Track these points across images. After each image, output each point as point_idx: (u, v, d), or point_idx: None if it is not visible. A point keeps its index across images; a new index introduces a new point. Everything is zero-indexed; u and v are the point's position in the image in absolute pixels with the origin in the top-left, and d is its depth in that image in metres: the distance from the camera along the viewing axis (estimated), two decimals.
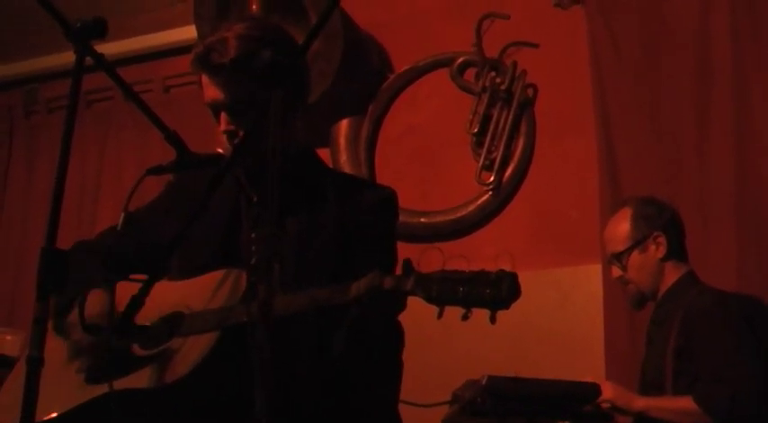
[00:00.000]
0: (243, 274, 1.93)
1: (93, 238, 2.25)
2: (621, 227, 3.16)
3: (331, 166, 3.46)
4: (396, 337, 2.01)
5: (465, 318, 1.67)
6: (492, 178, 4.13)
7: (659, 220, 3.14)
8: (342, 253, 2.00)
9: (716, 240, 3.62)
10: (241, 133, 1.99)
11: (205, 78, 2.03)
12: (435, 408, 2.93)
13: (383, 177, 4.31)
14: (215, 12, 4.32)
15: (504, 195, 4.14)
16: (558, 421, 2.93)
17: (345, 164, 4.37)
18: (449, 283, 1.67)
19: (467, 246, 4.05)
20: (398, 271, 1.79)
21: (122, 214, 1.97)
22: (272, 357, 1.48)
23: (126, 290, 1.87)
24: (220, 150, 2.02)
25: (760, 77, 3.69)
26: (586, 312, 3.81)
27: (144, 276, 1.82)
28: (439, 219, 4.20)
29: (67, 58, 1.86)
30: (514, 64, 4.17)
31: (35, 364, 1.62)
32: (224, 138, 2.02)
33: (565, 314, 3.87)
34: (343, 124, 4.45)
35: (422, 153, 4.35)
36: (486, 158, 4.15)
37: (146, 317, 1.96)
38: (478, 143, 4.18)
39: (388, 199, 2.12)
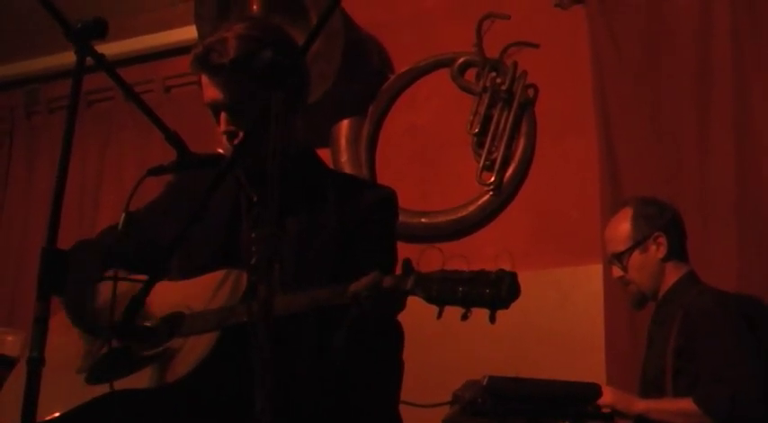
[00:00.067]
0: (243, 274, 1.93)
1: (93, 238, 2.25)
2: (622, 227, 3.16)
3: (332, 166, 3.46)
4: (396, 336, 2.01)
5: (464, 317, 1.67)
6: (492, 178, 4.13)
7: (660, 221, 3.14)
8: (342, 253, 2.00)
9: (716, 240, 3.62)
10: (241, 134, 1.99)
11: (205, 79, 2.02)
12: (435, 408, 2.93)
13: (384, 177, 4.31)
14: (216, 12, 4.32)
15: (504, 195, 4.14)
16: (558, 421, 2.93)
17: (346, 164, 4.37)
18: (448, 283, 1.67)
19: (467, 246, 4.05)
20: (398, 271, 1.79)
21: (123, 214, 1.97)
22: (272, 357, 1.48)
23: (123, 291, 1.88)
24: (221, 150, 2.02)
25: (760, 77, 3.69)
26: (587, 312, 3.81)
27: (144, 276, 1.82)
28: (439, 219, 4.20)
29: (68, 58, 1.86)
30: (515, 64, 4.17)
31: (35, 365, 1.62)
32: (224, 138, 2.02)
33: (565, 314, 3.87)
34: (344, 124, 4.45)
35: (422, 153, 4.35)
36: (486, 159, 4.15)
37: (146, 317, 1.97)
38: (479, 143, 4.18)
39: (387, 199, 2.12)
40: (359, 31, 4.44)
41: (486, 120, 4.19)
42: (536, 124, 4.16)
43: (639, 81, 3.91)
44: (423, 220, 4.20)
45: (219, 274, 1.97)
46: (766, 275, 3.52)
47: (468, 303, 1.66)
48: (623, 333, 3.68)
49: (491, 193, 4.14)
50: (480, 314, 1.66)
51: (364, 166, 4.38)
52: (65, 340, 2.05)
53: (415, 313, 1.84)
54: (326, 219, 2.03)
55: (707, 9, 3.84)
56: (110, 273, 1.95)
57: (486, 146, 4.15)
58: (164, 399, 1.86)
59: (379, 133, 4.48)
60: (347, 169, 4.30)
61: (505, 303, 1.65)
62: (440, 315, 1.70)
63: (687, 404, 2.81)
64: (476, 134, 4.18)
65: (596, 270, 3.78)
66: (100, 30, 1.82)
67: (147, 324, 1.98)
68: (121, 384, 1.85)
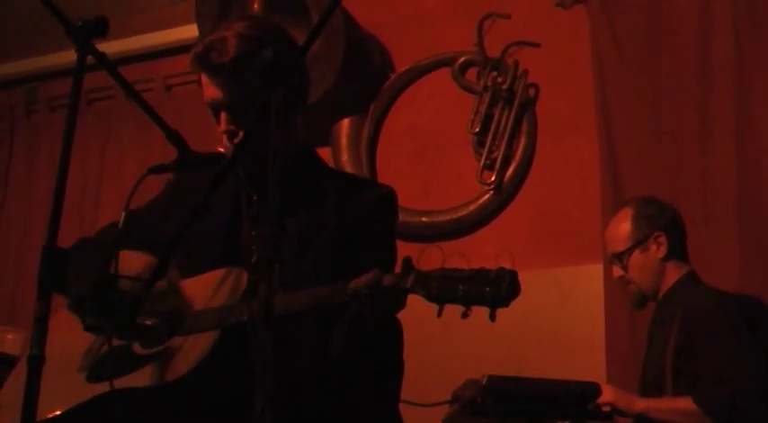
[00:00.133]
0: (243, 272, 1.93)
1: (93, 236, 2.24)
2: (622, 227, 3.16)
3: (332, 165, 3.47)
4: (395, 335, 2.01)
5: (465, 316, 1.67)
6: (493, 178, 4.13)
7: (660, 220, 3.14)
8: (342, 252, 2.00)
9: (717, 240, 3.62)
10: (241, 133, 1.99)
11: (205, 78, 2.02)
12: (435, 407, 2.93)
13: (384, 177, 4.31)
14: (216, 10, 4.32)
15: (505, 195, 4.14)
16: (558, 421, 2.93)
17: (347, 163, 4.37)
18: (448, 281, 1.67)
19: (467, 245, 4.05)
20: (398, 269, 1.79)
21: (123, 213, 1.97)
22: (272, 356, 1.48)
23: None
24: (221, 149, 2.02)
25: (761, 76, 3.69)
26: (587, 312, 3.81)
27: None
28: (440, 218, 4.20)
29: (69, 56, 1.86)
30: (516, 63, 4.16)
31: (36, 363, 1.62)
32: (224, 137, 2.02)
33: (565, 314, 3.87)
34: (345, 124, 4.45)
35: (423, 152, 4.35)
36: (487, 158, 4.15)
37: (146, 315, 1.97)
38: (480, 143, 4.18)
39: (387, 198, 2.12)
40: (360, 30, 4.44)
41: (487, 119, 4.19)
42: (537, 124, 4.16)
43: (640, 80, 3.91)
44: (423, 218, 4.20)
45: (220, 272, 1.97)
46: (766, 275, 3.52)
47: (468, 301, 1.66)
48: (623, 333, 3.68)
49: (491, 192, 4.14)
50: (480, 313, 1.66)
51: (365, 166, 4.38)
52: (66, 339, 2.04)
53: (416, 312, 1.84)
54: (326, 218, 2.03)
55: (707, 9, 3.84)
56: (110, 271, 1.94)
57: (487, 145, 4.15)
58: (164, 397, 1.86)
59: (379, 132, 4.48)
60: (348, 168, 4.30)
61: (505, 302, 1.65)
62: (440, 313, 1.70)
63: (687, 403, 2.82)
64: (476, 133, 4.18)
65: (596, 270, 3.78)
66: (101, 28, 1.81)
67: (148, 322, 1.98)
68: (122, 383, 1.85)
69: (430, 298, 1.69)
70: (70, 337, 2.05)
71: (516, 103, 4.14)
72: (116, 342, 1.91)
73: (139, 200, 2.11)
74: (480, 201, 4.15)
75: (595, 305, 3.75)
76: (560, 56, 4.15)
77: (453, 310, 1.68)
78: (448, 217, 4.19)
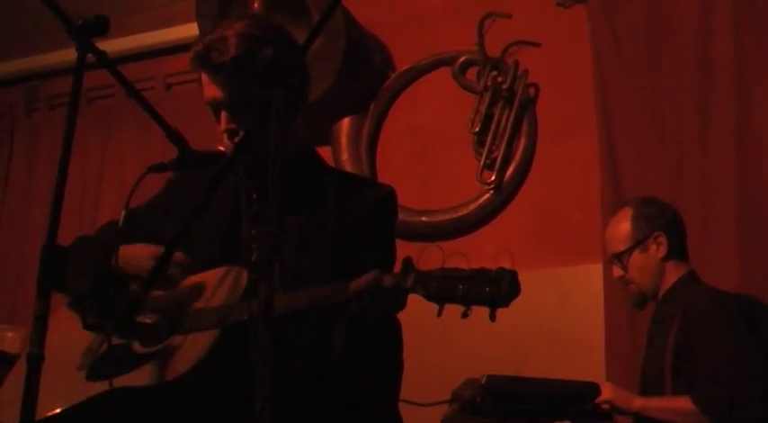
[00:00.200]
0: (243, 271, 1.93)
1: (93, 234, 2.24)
2: (622, 227, 3.16)
3: (332, 164, 3.47)
4: (395, 335, 2.01)
5: (464, 315, 1.66)
6: (493, 177, 4.13)
7: (660, 220, 3.14)
8: (342, 251, 2.00)
9: (717, 240, 3.63)
10: (242, 132, 1.99)
11: (205, 77, 2.02)
12: (435, 407, 2.93)
13: (384, 176, 4.31)
14: (217, 9, 4.32)
15: (505, 195, 4.14)
16: (557, 421, 2.93)
17: (347, 163, 4.37)
18: (448, 281, 1.67)
19: (467, 245, 4.06)
20: (398, 269, 1.79)
21: (123, 211, 1.97)
22: (272, 356, 1.48)
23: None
24: (221, 148, 2.02)
25: (761, 77, 3.69)
26: (587, 312, 3.81)
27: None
28: (440, 217, 4.20)
29: (69, 55, 1.86)
30: (516, 63, 4.17)
31: (35, 361, 1.62)
32: (225, 136, 2.02)
33: (565, 314, 3.87)
34: (345, 123, 4.45)
35: (423, 152, 4.35)
36: (487, 158, 4.15)
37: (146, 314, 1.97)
38: (480, 142, 4.18)
39: (387, 197, 2.12)
40: (360, 29, 4.44)
41: (487, 119, 4.19)
42: (537, 123, 4.16)
43: (641, 80, 3.91)
44: (423, 218, 4.20)
45: (220, 271, 1.97)
46: (766, 275, 3.52)
47: (468, 301, 1.66)
48: (623, 333, 3.68)
49: (491, 191, 4.14)
50: (480, 313, 1.66)
51: (365, 165, 4.38)
52: (65, 337, 2.04)
53: (415, 311, 1.84)
54: (326, 217, 2.03)
55: (708, 9, 3.84)
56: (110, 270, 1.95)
57: (487, 145, 4.15)
58: (163, 396, 1.86)
59: (379, 132, 4.48)
60: (348, 168, 4.30)
61: (505, 301, 1.65)
62: (440, 313, 1.70)
63: (685, 403, 2.82)
64: (476, 133, 4.18)
65: (596, 270, 3.78)
66: (101, 26, 1.81)
67: (148, 321, 1.98)
68: (121, 381, 1.85)
69: (430, 298, 1.69)
70: (70, 336, 2.06)
71: (516, 103, 4.14)
72: (116, 340, 1.91)
73: (139, 198, 2.11)
74: (480, 200, 4.15)
75: (595, 305, 3.75)
76: (560, 56, 4.15)
77: (453, 309, 1.67)
78: (448, 217, 4.19)
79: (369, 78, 4.46)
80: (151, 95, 4.55)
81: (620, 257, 3.15)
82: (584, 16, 4.08)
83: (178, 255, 1.94)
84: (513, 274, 1.66)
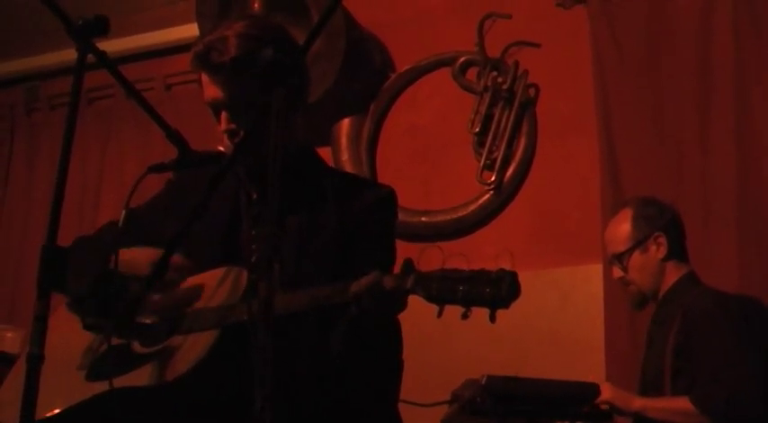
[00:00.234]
0: (243, 271, 1.93)
1: (93, 234, 2.24)
2: (622, 227, 3.17)
3: (332, 165, 3.47)
4: (395, 335, 2.01)
5: (465, 317, 1.66)
6: (493, 178, 4.13)
7: (660, 221, 3.14)
8: (342, 252, 1.99)
9: (717, 240, 3.63)
10: (242, 132, 1.99)
11: (205, 77, 2.02)
12: (435, 407, 2.93)
13: (384, 176, 4.31)
14: (217, 9, 4.32)
15: (505, 195, 4.14)
16: (557, 421, 2.93)
17: (347, 163, 4.37)
18: (449, 282, 1.67)
19: (467, 245, 4.05)
20: (398, 270, 1.79)
21: (123, 211, 1.97)
22: (272, 356, 1.48)
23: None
24: (221, 148, 2.02)
25: (761, 77, 3.69)
26: (587, 312, 3.81)
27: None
28: (440, 218, 4.20)
29: (69, 55, 1.86)
30: (516, 64, 4.17)
31: (35, 361, 1.62)
32: (225, 136, 2.02)
33: (565, 314, 3.87)
34: (345, 123, 4.45)
35: (423, 152, 4.36)
36: (487, 158, 4.15)
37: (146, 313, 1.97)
38: (480, 143, 4.18)
39: (387, 198, 2.12)
40: (360, 29, 4.44)
41: (487, 119, 4.19)
42: (537, 124, 4.16)
43: (640, 81, 3.91)
44: (423, 218, 4.20)
45: (220, 271, 1.97)
46: (766, 276, 3.52)
47: (468, 302, 1.65)
48: (623, 333, 3.68)
49: (491, 192, 4.14)
50: (480, 314, 1.66)
51: (365, 165, 4.38)
52: (65, 337, 2.04)
53: (416, 312, 1.84)
54: (326, 218, 2.03)
55: (708, 9, 3.84)
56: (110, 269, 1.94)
57: (487, 145, 4.15)
58: (163, 397, 1.86)
59: (379, 132, 4.48)
60: (348, 168, 4.30)
61: (506, 303, 1.65)
62: (440, 314, 1.70)
63: (684, 403, 2.82)
64: (477, 133, 4.18)
65: (596, 270, 3.78)
66: (102, 27, 1.81)
67: (147, 321, 1.98)
68: (121, 382, 1.85)
69: (430, 299, 1.69)
70: (70, 336, 2.05)
71: (516, 103, 4.14)
72: (115, 341, 1.91)
73: (139, 198, 2.10)
74: (480, 201, 4.15)
75: (595, 305, 3.75)
76: (560, 56, 4.15)
77: (453, 310, 1.67)
78: (448, 217, 4.19)
79: (369, 79, 4.46)
80: (151, 96, 4.55)
81: (620, 258, 3.15)
82: (585, 16, 4.08)
83: (176, 258, 1.94)
84: (514, 276, 1.66)
